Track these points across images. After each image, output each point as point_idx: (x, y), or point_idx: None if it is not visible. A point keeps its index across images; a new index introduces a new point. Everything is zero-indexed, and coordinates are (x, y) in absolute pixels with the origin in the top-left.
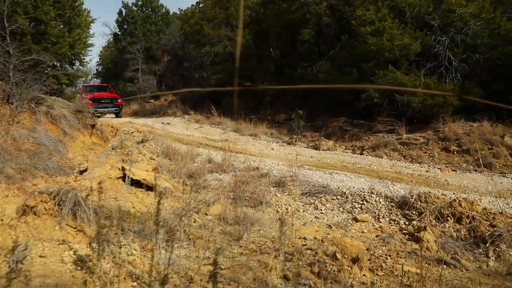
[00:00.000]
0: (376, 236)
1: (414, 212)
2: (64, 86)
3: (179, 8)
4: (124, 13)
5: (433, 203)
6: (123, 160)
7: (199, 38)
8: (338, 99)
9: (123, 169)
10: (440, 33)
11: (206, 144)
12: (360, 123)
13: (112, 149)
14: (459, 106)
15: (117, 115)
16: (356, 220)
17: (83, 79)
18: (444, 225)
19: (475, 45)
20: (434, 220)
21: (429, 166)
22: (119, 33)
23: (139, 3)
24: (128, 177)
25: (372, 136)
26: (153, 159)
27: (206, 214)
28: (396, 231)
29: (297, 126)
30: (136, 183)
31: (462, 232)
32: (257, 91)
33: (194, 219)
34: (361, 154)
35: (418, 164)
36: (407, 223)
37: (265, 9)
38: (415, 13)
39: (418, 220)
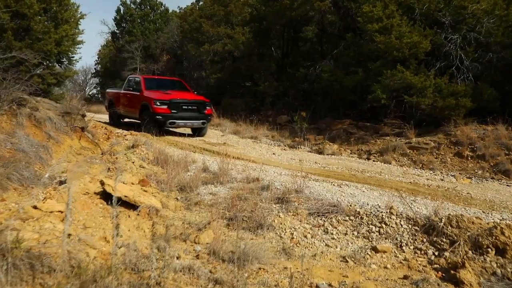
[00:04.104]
0: (405, 277)
1: (444, 239)
2: (52, 86)
3: (178, 7)
4: (122, 11)
5: (468, 229)
6: (108, 169)
7: (197, 36)
8: (342, 100)
9: (102, 183)
10: (451, 31)
11: (203, 149)
12: (365, 125)
13: (102, 154)
14: (472, 108)
15: (201, 132)
16: (375, 250)
17: (75, 77)
18: (485, 259)
19: (488, 43)
20: (470, 252)
21: (442, 173)
22: (117, 31)
23: (138, 1)
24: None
25: (379, 140)
26: (143, 167)
27: (196, 243)
28: (425, 266)
29: (299, 128)
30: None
31: (509, 269)
32: (258, 92)
33: (177, 254)
34: (367, 159)
35: (430, 171)
36: (436, 253)
37: (266, 6)
38: (424, 9)
39: (451, 251)
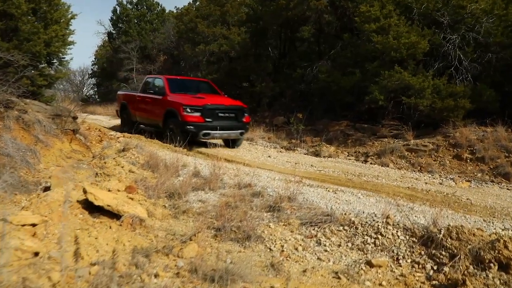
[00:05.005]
0: None
1: (444, 253)
2: (43, 88)
3: (175, 7)
4: (118, 11)
5: (469, 241)
6: (96, 174)
7: (193, 37)
8: (339, 101)
9: (85, 191)
10: (450, 31)
11: (197, 151)
12: (363, 127)
13: (93, 157)
14: (471, 109)
15: (236, 143)
16: (370, 264)
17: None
18: (487, 275)
19: (487, 43)
20: (471, 267)
21: (440, 176)
22: (114, 32)
23: (134, 1)
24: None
25: (377, 142)
26: (133, 172)
27: (179, 257)
28: (423, 282)
29: (296, 130)
30: (101, 209)
31: None
32: (254, 92)
33: (156, 272)
34: (365, 161)
35: (429, 175)
36: (435, 268)
37: (262, 6)
38: (422, 9)
39: (451, 266)
